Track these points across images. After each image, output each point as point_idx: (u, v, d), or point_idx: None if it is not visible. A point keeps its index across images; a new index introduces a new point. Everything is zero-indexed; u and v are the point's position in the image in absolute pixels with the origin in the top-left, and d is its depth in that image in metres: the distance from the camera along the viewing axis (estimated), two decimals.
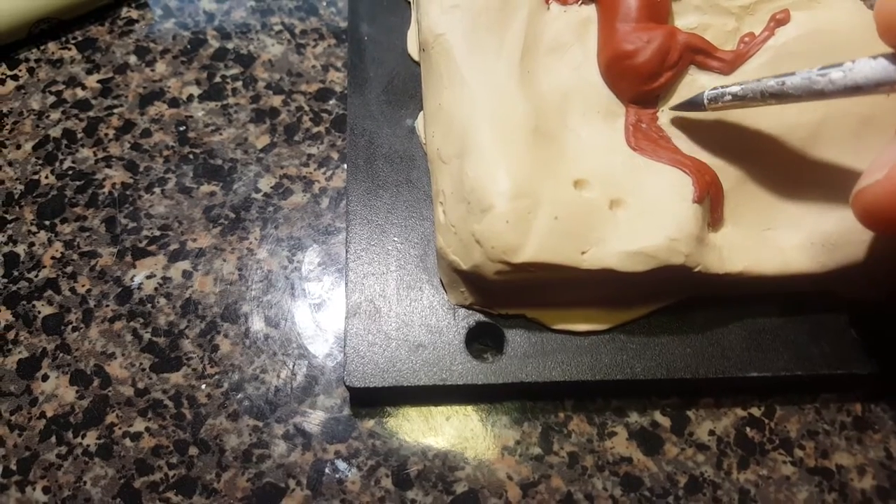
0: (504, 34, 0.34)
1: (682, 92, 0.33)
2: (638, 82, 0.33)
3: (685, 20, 0.35)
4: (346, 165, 0.37)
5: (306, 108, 0.40)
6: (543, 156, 0.31)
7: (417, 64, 0.38)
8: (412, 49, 0.39)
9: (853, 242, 0.31)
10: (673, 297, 0.33)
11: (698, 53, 0.33)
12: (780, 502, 0.31)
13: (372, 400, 0.33)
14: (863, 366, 0.32)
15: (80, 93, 0.40)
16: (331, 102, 0.40)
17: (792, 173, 0.32)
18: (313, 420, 0.33)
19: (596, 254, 0.30)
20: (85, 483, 0.31)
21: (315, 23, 0.43)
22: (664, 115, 0.33)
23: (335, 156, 0.39)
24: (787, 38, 0.32)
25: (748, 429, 0.33)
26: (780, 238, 0.32)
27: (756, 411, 0.33)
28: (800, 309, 0.33)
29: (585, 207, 0.31)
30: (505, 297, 0.32)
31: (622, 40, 0.33)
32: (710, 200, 0.31)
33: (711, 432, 0.32)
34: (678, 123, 0.33)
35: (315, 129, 0.39)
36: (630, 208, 0.31)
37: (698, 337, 0.32)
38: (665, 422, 0.33)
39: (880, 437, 0.33)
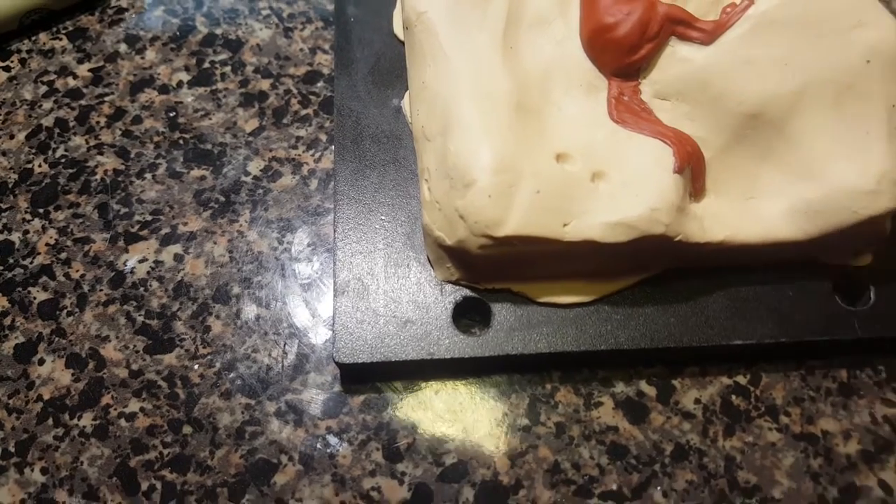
0: (486, 9, 0.34)
1: (663, 64, 0.33)
2: (619, 55, 0.33)
3: None
4: (333, 147, 0.37)
5: (294, 92, 0.40)
6: (526, 130, 0.32)
7: (403, 44, 0.38)
8: (398, 29, 0.39)
9: (835, 209, 0.31)
10: (656, 267, 0.33)
11: (679, 24, 0.33)
12: (766, 468, 0.32)
13: (362, 376, 0.33)
14: (847, 331, 0.32)
15: (71, 82, 0.41)
16: (318, 85, 0.40)
17: (773, 142, 0.32)
18: (305, 397, 0.33)
19: (578, 226, 0.30)
20: (82, 463, 0.32)
21: (302, 6, 0.43)
22: (646, 88, 0.33)
23: (323, 138, 0.39)
24: (769, 6, 0.32)
25: (734, 396, 0.33)
26: (762, 206, 0.32)
27: (742, 379, 0.33)
28: (783, 277, 0.33)
29: (567, 180, 0.31)
30: (490, 272, 0.33)
31: (603, 13, 0.33)
32: (692, 171, 0.32)
33: (697, 401, 0.33)
34: (660, 94, 0.33)
35: (303, 112, 0.40)
36: (612, 180, 0.31)
37: (682, 306, 0.33)
38: (651, 391, 0.33)
39: (865, 402, 0.33)
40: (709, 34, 0.32)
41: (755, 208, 0.32)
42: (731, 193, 0.32)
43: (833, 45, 0.31)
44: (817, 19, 0.31)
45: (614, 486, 0.31)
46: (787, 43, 0.32)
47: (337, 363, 0.32)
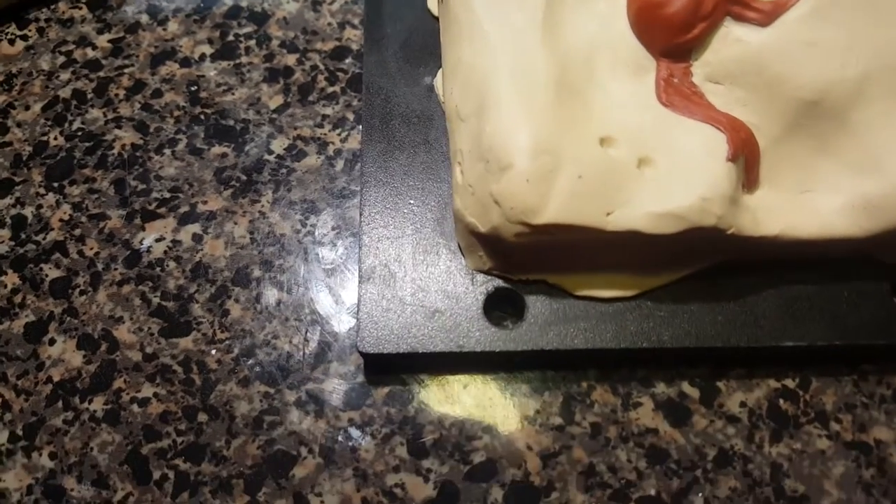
0: None
1: (716, 45, 0.31)
2: (669, 34, 0.31)
3: None
4: (361, 126, 0.36)
5: (321, 67, 0.38)
6: (568, 111, 0.30)
7: (437, 19, 0.37)
8: (432, 4, 0.37)
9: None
10: (703, 261, 0.31)
11: (734, 3, 0.31)
12: (814, 477, 0.30)
13: (386, 367, 0.32)
14: None
15: (90, 53, 0.39)
16: (347, 61, 0.39)
17: (832, 132, 0.30)
18: (326, 387, 0.31)
19: (622, 215, 0.28)
20: (92, 449, 0.30)
21: None
22: (698, 70, 0.31)
23: (350, 117, 0.37)
24: None
25: (781, 401, 0.31)
26: (819, 200, 0.30)
27: (790, 383, 0.31)
28: (838, 275, 0.31)
29: (611, 166, 0.29)
30: (525, 262, 0.31)
31: None
32: (745, 160, 0.30)
33: (743, 404, 0.31)
34: (712, 77, 0.31)
35: (330, 89, 0.38)
36: (659, 167, 0.29)
37: (730, 304, 0.31)
38: (693, 392, 0.31)
39: None
40: (767, 15, 0.30)
41: (811, 202, 0.30)
42: (786, 185, 0.30)
43: None
44: (883, 2, 0.29)
45: (653, 492, 0.29)
46: (850, 26, 0.30)
47: (361, 353, 0.30)
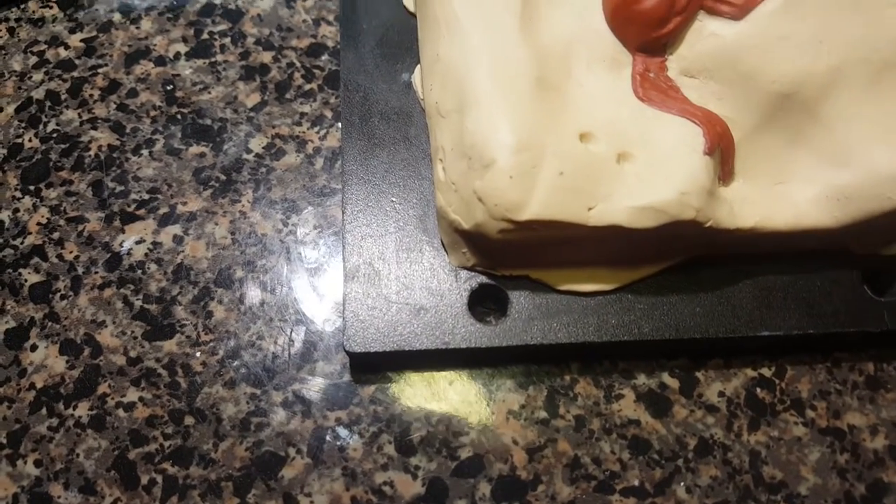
0: None
1: (691, 39, 0.31)
2: (645, 29, 0.31)
3: None
4: (340, 124, 0.36)
5: (298, 65, 0.38)
6: (547, 108, 0.30)
7: (413, 16, 0.36)
8: (407, 0, 0.37)
9: (868, 196, 0.29)
10: (682, 254, 0.31)
11: None
12: (791, 463, 0.31)
13: (373, 365, 0.32)
14: (876, 323, 0.31)
15: (63, 52, 0.39)
16: (323, 58, 0.38)
17: (805, 125, 0.31)
18: (313, 387, 0.32)
19: (603, 210, 0.29)
20: (78, 455, 0.30)
21: None
22: (673, 64, 0.32)
23: (329, 114, 0.37)
24: None
25: (758, 389, 0.32)
26: (793, 192, 0.31)
27: (766, 371, 0.32)
28: (812, 266, 0.32)
29: (592, 161, 0.29)
30: (508, 257, 0.31)
31: None
32: (721, 153, 0.30)
33: (721, 393, 0.32)
34: (687, 71, 0.32)
35: (307, 87, 0.38)
36: (638, 161, 0.30)
37: (708, 296, 0.31)
38: (673, 383, 0.32)
39: (893, 396, 0.32)
40: (740, 8, 0.31)
41: (785, 194, 0.31)
42: (761, 178, 0.31)
43: (870, 22, 0.30)
44: None
45: (636, 482, 0.30)
46: (821, 19, 0.30)
47: (347, 352, 0.30)
